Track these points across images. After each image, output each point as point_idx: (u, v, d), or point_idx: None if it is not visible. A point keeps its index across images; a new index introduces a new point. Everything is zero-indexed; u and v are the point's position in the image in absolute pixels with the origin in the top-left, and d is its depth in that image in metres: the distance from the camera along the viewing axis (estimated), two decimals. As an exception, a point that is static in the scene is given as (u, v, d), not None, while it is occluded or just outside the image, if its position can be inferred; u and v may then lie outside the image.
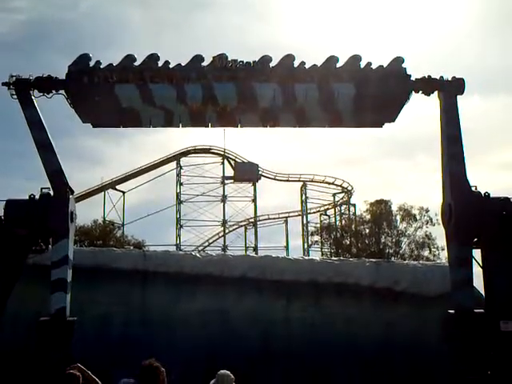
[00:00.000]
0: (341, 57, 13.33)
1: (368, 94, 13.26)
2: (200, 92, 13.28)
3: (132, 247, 41.80)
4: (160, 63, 13.27)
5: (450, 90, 13.19)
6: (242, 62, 13.27)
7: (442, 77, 13.22)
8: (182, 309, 15.88)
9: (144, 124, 14.12)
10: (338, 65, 13.33)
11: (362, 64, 13.29)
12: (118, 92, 13.12)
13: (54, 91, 13.10)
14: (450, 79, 13.18)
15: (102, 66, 13.17)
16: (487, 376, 11.68)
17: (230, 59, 13.26)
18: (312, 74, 13.28)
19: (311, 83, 13.23)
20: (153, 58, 13.28)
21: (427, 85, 13.26)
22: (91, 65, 13.14)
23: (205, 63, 13.32)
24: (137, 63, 13.25)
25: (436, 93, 13.31)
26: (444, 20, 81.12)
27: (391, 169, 75.89)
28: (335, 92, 13.28)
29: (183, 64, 13.29)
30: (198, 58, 13.32)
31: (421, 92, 13.35)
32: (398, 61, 13.32)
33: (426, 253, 45.07)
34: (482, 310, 12.25)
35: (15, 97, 12.93)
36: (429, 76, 13.25)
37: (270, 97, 13.34)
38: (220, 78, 13.19)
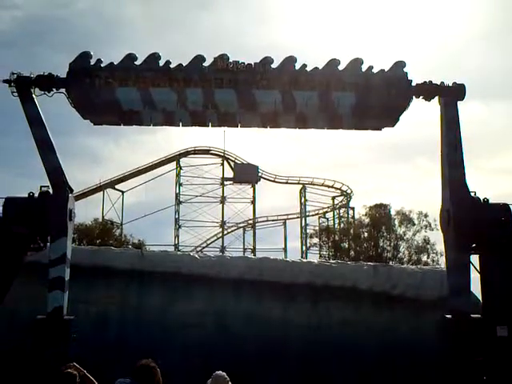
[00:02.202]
0: (342, 58, 13.37)
1: (368, 104, 13.27)
2: (201, 97, 13.30)
3: (130, 246, 41.77)
4: (161, 62, 13.28)
5: (450, 96, 13.19)
6: (243, 63, 13.29)
7: (442, 82, 13.22)
8: (178, 309, 15.84)
9: (145, 123, 14.14)
10: (340, 67, 13.34)
11: (364, 67, 13.29)
12: (120, 96, 13.15)
13: (54, 89, 13.10)
14: (450, 85, 13.19)
15: (102, 65, 13.19)
16: (483, 381, 11.68)
17: (231, 60, 13.28)
18: (313, 80, 13.29)
19: (312, 91, 13.26)
20: (154, 57, 13.29)
21: (428, 90, 13.27)
22: (92, 63, 13.15)
23: (206, 63, 13.33)
24: (138, 62, 13.26)
25: (436, 98, 13.32)
26: (446, 24, 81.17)
27: (390, 173, 75.87)
28: (335, 101, 13.30)
29: (184, 64, 13.30)
30: (199, 58, 13.33)
31: (421, 97, 13.35)
32: (400, 65, 13.32)
33: (424, 257, 45.01)
34: (478, 316, 12.24)
35: (16, 94, 12.92)
36: (430, 81, 13.26)
37: (270, 104, 13.37)
38: (221, 83, 13.20)
